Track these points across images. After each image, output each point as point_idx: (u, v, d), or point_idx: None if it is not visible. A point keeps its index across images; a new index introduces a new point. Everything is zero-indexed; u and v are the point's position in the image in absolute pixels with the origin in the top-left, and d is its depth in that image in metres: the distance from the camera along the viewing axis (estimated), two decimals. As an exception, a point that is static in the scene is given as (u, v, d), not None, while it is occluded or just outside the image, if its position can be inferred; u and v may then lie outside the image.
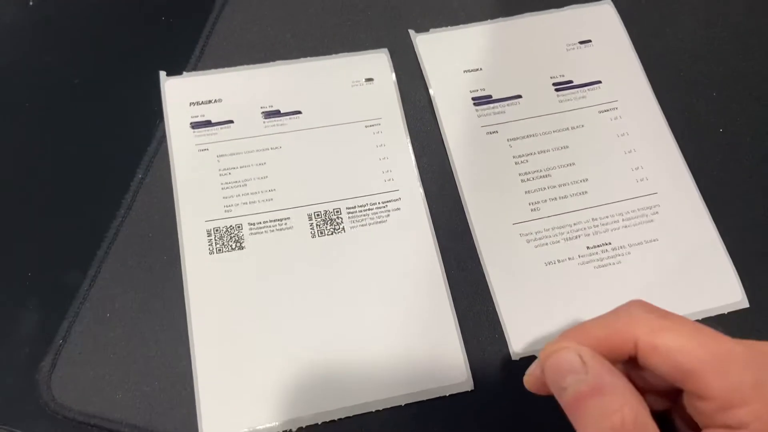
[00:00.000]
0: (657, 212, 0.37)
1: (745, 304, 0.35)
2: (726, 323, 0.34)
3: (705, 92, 0.40)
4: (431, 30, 0.41)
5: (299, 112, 0.38)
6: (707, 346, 0.21)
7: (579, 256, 0.35)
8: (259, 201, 0.36)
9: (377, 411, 0.32)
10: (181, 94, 0.38)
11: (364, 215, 0.36)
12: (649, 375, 0.23)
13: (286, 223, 0.35)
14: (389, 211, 0.36)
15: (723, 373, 0.21)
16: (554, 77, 0.40)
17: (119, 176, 0.36)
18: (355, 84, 0.39)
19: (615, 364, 0.23)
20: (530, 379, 0.25)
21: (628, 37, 0.42)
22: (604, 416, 0.21)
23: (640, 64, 0.41)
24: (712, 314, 0.34)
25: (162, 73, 0.39)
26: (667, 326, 0.22)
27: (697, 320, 0.34)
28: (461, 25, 0.42)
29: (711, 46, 0.42)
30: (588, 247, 0.36)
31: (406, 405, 0.32)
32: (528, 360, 0.33)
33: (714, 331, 0.22)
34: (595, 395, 0.21)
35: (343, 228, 0.36)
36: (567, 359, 0.22)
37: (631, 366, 0.23)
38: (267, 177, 0.37)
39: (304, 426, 0.31)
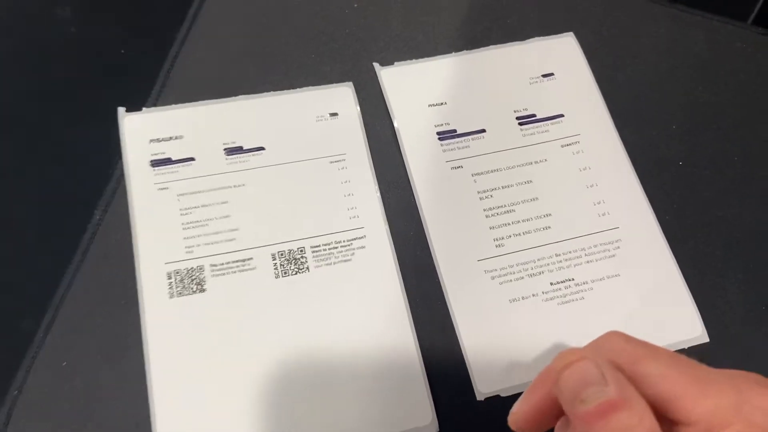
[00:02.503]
0: (619, 247, 0.37)
1: (705, 339, 0.35)
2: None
3: (665, 125, 0.41)
4: (396, 63, 0.41)
5: (262, 149, 0.38)
6: (687, 372, 0.22)
7: (543, 293, 0.36)
8: (221, 241, 0.35)
9: (342, 456, 0.31)
10: (140, 131, 0.38)
11: (329, 254, 0.36)
12: None
13: (249, 264, 0.35)
14: (354, 249, 0.36)
15: (704, 398, 0.21)
16: (518, 111, 0.41)
17: (76, 217, 0.35)
18: (319, 119, 0.39)
19: None
20: (518, 416, 0.24)
21: (590, 70, 0.42)
22: (625, 431, 0.21)
23: (602, 98, 0.41)
24: (673, 349, 0.35)
25: (121, 109, 0.38)
26: (648, 355, 0.22)
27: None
28: (425, 58, 0.42)
29: (671, 79, 0.43)
30: (552, 283, 0.36)
31: (371, 449, 0.32)
32: (493, 400, 0.33)
33: (689, 359, 0.22)
34: (618, 409, 0.21)
35: (308, 267, 0.35)
36: (588, 370, 0.22)
37: None
38: (229, 216, 0.36)
39: (267, 474, 0.31)
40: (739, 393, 0.21)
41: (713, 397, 0.21)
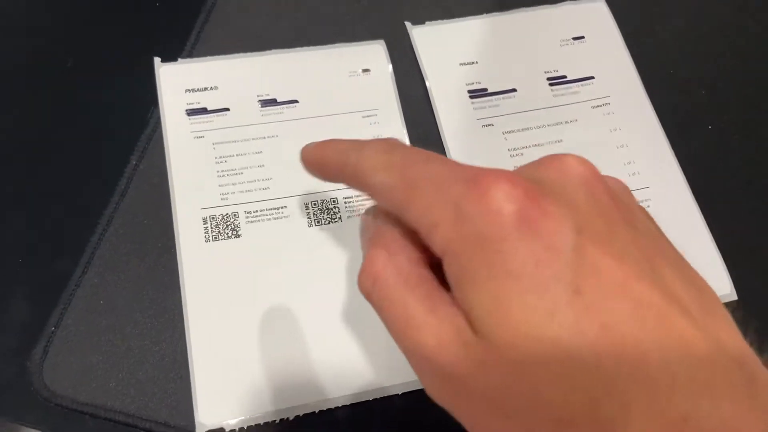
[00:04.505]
0: (648, 206, 0.37)
1: (734, 297, 0.35)
2: (714, 314, 0.35)
3: (694, 89, 0.41)
4: (427, 22, 0.42)
5: (296, 102, 0.38)
6: (415, 176, 0.18)
7: (573, 248, 0.36)
8: (255, 189, 0.36)
9: (375, 399, 0.32)
10: (176, 81, 0.38)
11: (362, 205, 0.36)
12: None
13: (282, 212, 0.35)
14: (386, 201, 0.36)
15: (418, 190, 0.17)
16: (548, 72, 0.41)
17: (113, 162, 0.36)
18: (352, 74, 0.39)
19: None
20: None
21: (620, 34, 0.42)
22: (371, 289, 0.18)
23: (632, 61, 0.41)
24: (701, 306, 0.35)
25: (156, 59, 0.38)
26: (381, 167, 0.19)
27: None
28: (457, 19, 0.42)
29: (700, 44, 0.43)
30: (582, 239, 0.36)
31: (403, 394, 0.32)
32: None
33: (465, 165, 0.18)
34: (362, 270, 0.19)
35: (341, 217, 0.36)
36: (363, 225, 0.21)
37: None
38: (263, 165, 0.36)
39: (301, 414, 0.31)
40: (456, 193, 0.16)
41: (426, 192, 0.17)
